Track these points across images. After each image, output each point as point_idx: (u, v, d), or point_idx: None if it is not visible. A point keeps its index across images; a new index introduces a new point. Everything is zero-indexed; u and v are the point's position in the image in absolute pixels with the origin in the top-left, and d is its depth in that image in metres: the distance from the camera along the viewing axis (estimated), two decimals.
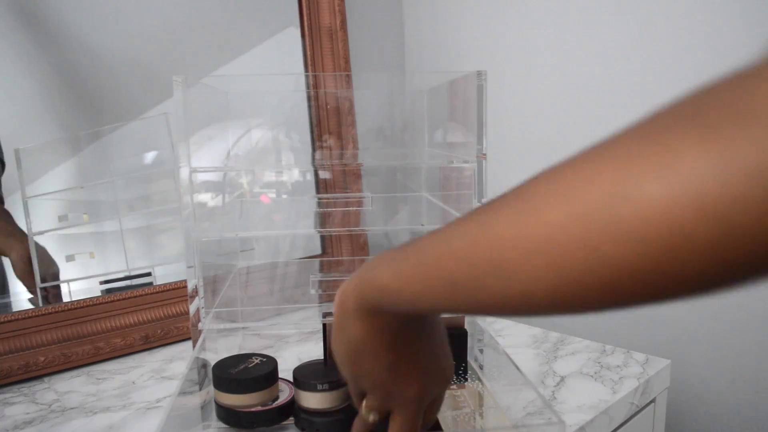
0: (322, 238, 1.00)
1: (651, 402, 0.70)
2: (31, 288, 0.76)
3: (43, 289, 0.76)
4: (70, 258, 0.79)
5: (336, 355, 0.40)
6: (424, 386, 0.39)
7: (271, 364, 0.55)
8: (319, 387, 0.52)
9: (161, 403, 0.65)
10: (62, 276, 0.78)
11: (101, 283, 0.81)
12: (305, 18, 0.97)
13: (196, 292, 0.59)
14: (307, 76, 0.97)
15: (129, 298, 0.81)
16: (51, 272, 0.77)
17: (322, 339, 0.60)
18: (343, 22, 0.99)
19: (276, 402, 0.54)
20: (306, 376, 0.54)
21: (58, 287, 0.78)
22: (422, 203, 0.84)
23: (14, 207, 0.75)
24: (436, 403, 0.43)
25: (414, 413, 0.40)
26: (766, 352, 0.78)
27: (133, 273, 0.84)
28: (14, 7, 0.74)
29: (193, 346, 0.58)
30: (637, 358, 0.72)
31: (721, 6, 0.76)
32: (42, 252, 0.77)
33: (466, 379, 0.61)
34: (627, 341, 0.92)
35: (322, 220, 0.72)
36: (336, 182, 0.95)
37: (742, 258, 0.19)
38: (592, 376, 0.68)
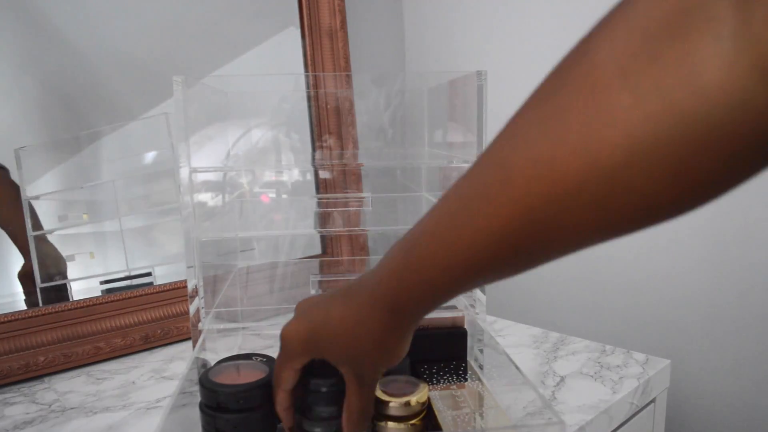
0: (322, 238, 1.00)
1: (651, 402, 0.70)
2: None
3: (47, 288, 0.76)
4: (70, 258, 0.79)
5: (325, 342, 0.40)
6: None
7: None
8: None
9: (161, 403, 0.65)
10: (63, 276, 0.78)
11: (101, 283, 0.81)
12: (305, 18, 0.97)
13: (196, 292, 0.59)
14: (307, 76, 0.97)
15: (129, 298, 0.81)
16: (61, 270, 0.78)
17: None
18: (343, 22, 0.99)
19: None
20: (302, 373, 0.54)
21: (63, 286, 0.78)
22: (422, 203, 0.84)
23: None
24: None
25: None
26: (766, 352, 0.78)
27: (133, 273, 0.84)
28: (14, 6, 0.74)
29: (193, 346, 0.58)
30: (637, 358, 0.72)
31: None
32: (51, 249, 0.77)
33: (466, 379, 0.61)
34: (627, 341, 0.92)
35: (322, 220, 0.72)
36: (336, 182, 0.95)
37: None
38: (592, 376, 0.68)
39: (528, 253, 0.29)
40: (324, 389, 0.45)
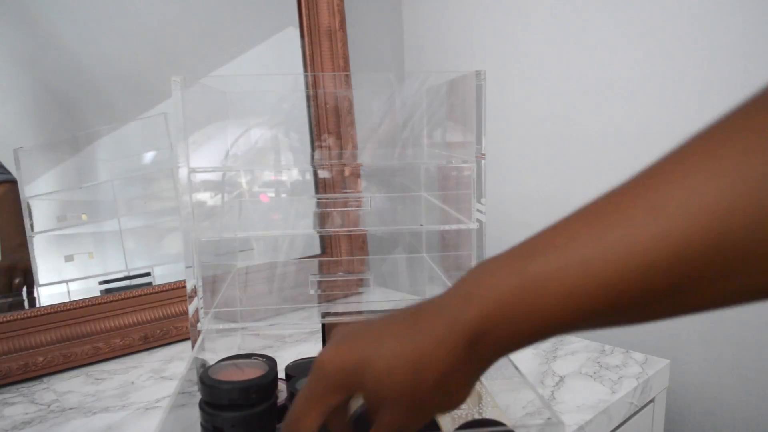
0: (322, 238, 1.00)
1: (650, 402, 0.70)
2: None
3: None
4: (69, 258, 0.79)
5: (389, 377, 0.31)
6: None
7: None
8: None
9: (160, 404, 0.65)
10: (62, 276, 0.78)
11: (100, 283, 0.81)
12: (304, 18, 0.97)
13: (195, 292, 0.59)
14: (306, 76, 0.97)
15: (128, 298, 0.81)
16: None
17: (321, 339, 0.60)
18: (342, 22, 0.99)
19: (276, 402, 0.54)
20: (299, 373, 0.54)
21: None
22: (421, 203, 0.84)
23: None
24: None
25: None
26: (766, 352, 0.78)
27: (132, 273, 0.84)
28: (13, 6, 0.74)
29: (192, 347, 0.58)
30: (636, 358, 0.73)
31: (722, 6, 0.76)
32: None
33: None
34: (626, 341, 0.92)
35: (322, 220, 0.72)
36: (335, 182, 0.95)
37: None
38: (591, 376, 0.68)
39: (679, 291, 0.25)
40: None
